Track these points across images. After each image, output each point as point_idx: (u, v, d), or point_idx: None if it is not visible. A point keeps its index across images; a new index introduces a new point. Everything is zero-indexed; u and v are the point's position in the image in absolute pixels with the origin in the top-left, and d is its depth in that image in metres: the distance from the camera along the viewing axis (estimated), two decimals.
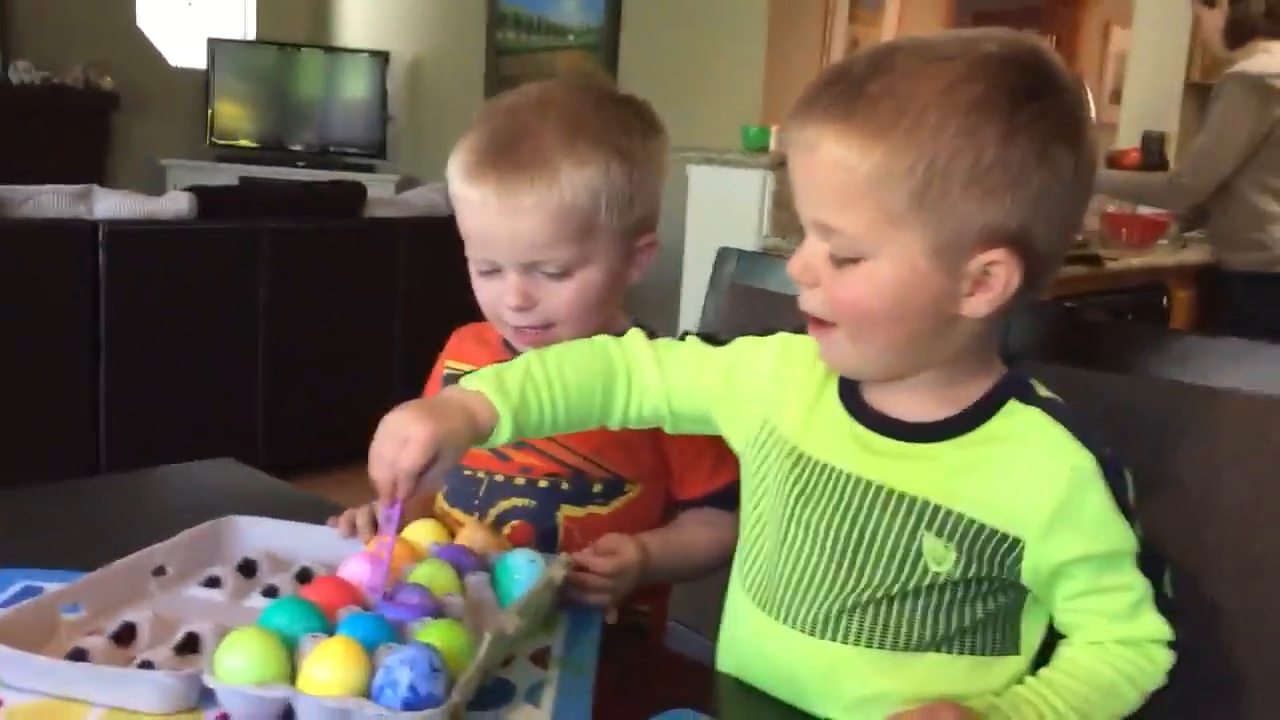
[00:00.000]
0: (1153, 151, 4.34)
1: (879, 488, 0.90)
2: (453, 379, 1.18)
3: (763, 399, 0.99)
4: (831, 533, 0.92)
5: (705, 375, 1.02)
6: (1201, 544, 1.02)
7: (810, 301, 0.89)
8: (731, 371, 1.01)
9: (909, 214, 0.82)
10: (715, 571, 1.10)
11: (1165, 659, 0.89)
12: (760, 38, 4.95)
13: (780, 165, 3.47)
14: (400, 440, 0.90)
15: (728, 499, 1.08)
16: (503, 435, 0.97)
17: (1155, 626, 0.88)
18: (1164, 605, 0.88)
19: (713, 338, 1.05)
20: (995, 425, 0.89)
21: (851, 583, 0.91)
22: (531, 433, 1.00)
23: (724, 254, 1.55)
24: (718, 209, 3.45)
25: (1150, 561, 0.88)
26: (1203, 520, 1.02)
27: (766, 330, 1.03)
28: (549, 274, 1.07)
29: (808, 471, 0.94)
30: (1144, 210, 3.85)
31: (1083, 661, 0.89)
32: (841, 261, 0.85)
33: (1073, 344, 1.12)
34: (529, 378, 0.98)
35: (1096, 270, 3.31)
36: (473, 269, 1.12)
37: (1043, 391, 0.91)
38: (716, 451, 1.08)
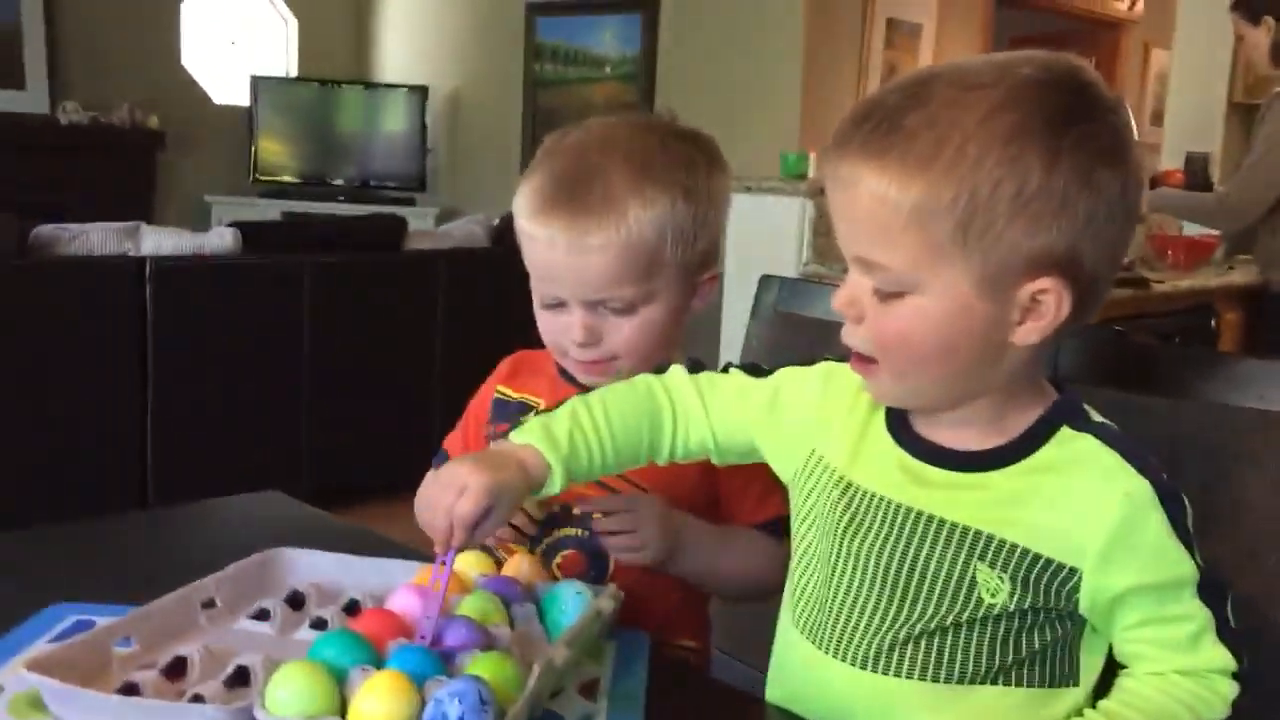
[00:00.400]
0: (1196, 172, 4.30)
1: (930, 518, 0.89)
2: (502, 405, 1.19)
3: (809, 429, 0.98)
4: (882, 564, 0.90)
5: (749, 408, 1.01)
6: (1260, 569, 1.00)
7: (854, 338, 0.88)
8: (775, 402, 1.01)
9: (953, 247, 0.80)
10: (761, 592, 1.10)
11: (1228, 690, 0.86)
12: (797, 65, 4.97)
13: (820, 193, 3.47)
14: (457, 489, 0.90)
15: (775, 529, 1.08)
16: (555, 485, 0.96)
17: (1218, 656, 0.86)
18: (1227, 635, 0.86)
19: (756, 368, 1.04)
20: (1047, 453, 0.87)
21: (904, 615, 0.89)
22: (583, 478, 0.99)
23: (766, 281, 1.55)
24: (757, 236, 3.44)
25: (1211, 590, 0.86)
26: (1261, 544, 1.00)
27: (810, 359, 1.03)
28: (614, 310, 1.09)
29: (856, 502, 0.92)
30: (1190, 231, 3.81)
31: (1143, 692, 0.87)
32: (886, 296, 0.84)
33: (1122, 368, 1.11)
34: (576, 425, 0.98)
35: (1143, 293, 3.28)
36: (536, 302, 1.13)
37: (1095, 417, 0.90)
38: (764, 482, 1.08)
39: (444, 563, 0.92)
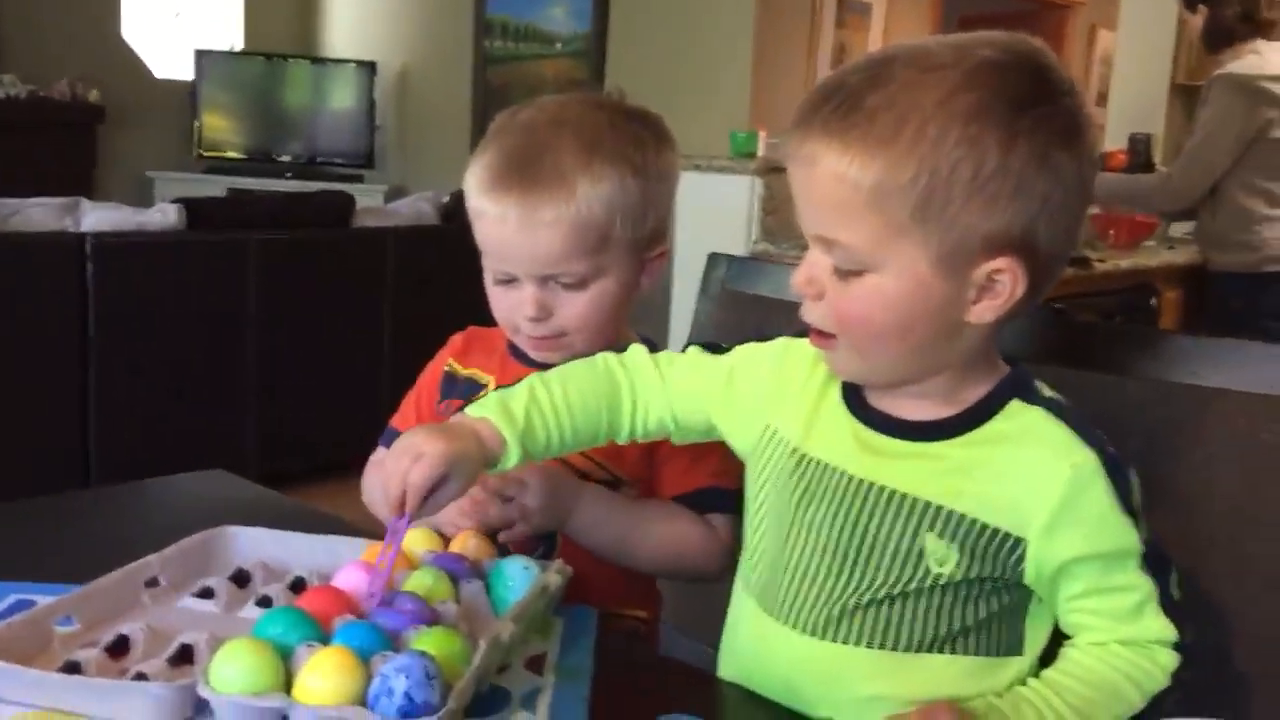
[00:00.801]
0: (1139, 153, 4.36)
1: (881, 488, 0.90)
2: (451, 380, 1.20)
3: (765, 402, 0.99)
4: (833, 533, 0.92)
5: (707, 382, 1.03)
6: (1194, 543, 1.02)
7: (813, 314, 0.89)
8: (732, 377, 1.02)
9: (912, 226, 0.82)
10: (687, 568, 1.11)
11: (1169, 661, 0.88)
12: (747, 44, 4.97)
13: (770, 171, 3.48)
14: (413, 455, 0.91)
15: (699, 502, 1.11)
16: (510, 460, 0.97)
17: (1159, 628, 0.88)
18: (1169, 607, 0.88)
19: (715, 347, 1.06)
20: (998, 425, 0.89)
21: (853, 584, 0.91)
22: (540, 455, 1.00)
23: (714, 259, 1.55)
24: (707, 215, 3.45)
25: (1156, 562, 0.88)
26: (1195, 519, 1.02)
27: (764, 336, 1.04)
28: (565, 285, 1.10)
29: (810, 472, 0.94)
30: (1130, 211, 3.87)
31: (1085, 662, 0.89)
32: (846, 274, 0.85)
33: (1063, 346, 1.12)
34: (534, 402, 0.99)
35: (1085, 272, 3.32)
36: (488, 279, 1.14)
37: (1046, 391, 0.91)
38: (692, 455, 1.11)
39: (395, 529, 0.92)
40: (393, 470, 0.92)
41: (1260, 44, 3.22)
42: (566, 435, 1.00)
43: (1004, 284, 0.84)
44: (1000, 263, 0.83)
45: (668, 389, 1.03)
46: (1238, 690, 1.00)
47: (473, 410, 0.98)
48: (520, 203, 1.07)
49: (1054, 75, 0.84)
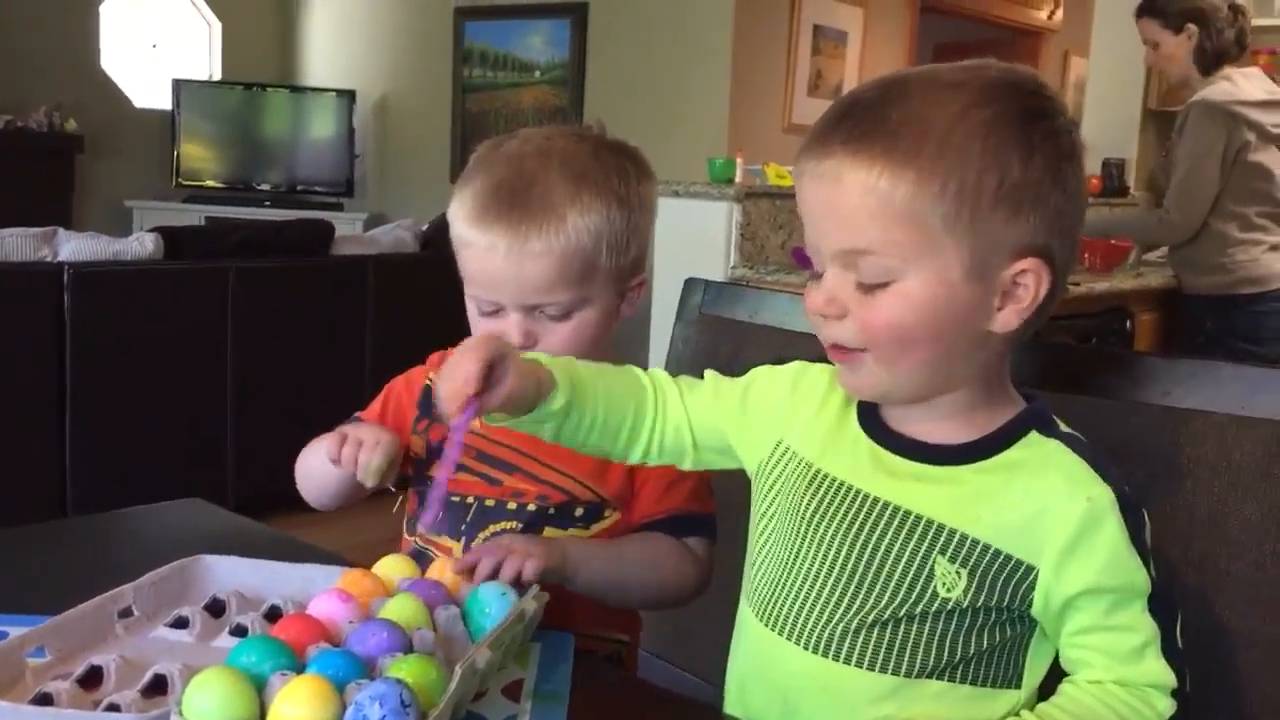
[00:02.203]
0: (1113, 177, 4.40)
1: (895, 509, 0.90)
2: (430, 393, 1.19)
3: (779, 420, 1.00)
4: (844, 551, 0.91)
5: (723, 400, 1.03)
6: (1165, 561, 1.02)
7: (841, 332, 0.88)
8: (746, 395, 1.02)
9: (943, 234, 0.83)
10: (673, 596, 1.11)
11: (1165, 707, 0.87)
12: (724, 70, 5.01)
13: (747, 197, 3.49)
14: (463, 353, 0.92)
15: (675, 527, 1.12)
16: (557, 400, 0.96)
17: (1159, 672, 0.87)
18: (1171, 652, 0.87)
19: (728, 372, 1.06)
20: (1015, 453, 0.89)
21: (859, 603, 0.90)
22: (575, 420, 0.98)
23: (690, 285, 1.56)
24: (685, 241, 3.46)
25: (1163, 606, 0.87)
26: (1167, 538, 1.03)
27: (780, 359, 1.04)
28: (550, 315, 1.11)
29: (824, 489, 0.94)
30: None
31: (1080, 699, 0.87)
32: (871, 287, 0.85)
33: (1038, 368, 1.13)
34: (576, 371, 0.99)
35: (1061, 295, 3.33)
36: (472, 308, 1.15)
37: (1063, 427, 0.92)
38: (668, 481, 1.12)
39: (456, 426, 0.92)
40: (447, 371, 0.91)
41: (1230, 71, 3.25)
42: (598, 419, 0.99)
43: (1028, 287, 0.85)
44: (1026, 263, 0.85)
45: (687, 404, 1.02)
46: (1209, 710, 1.00)
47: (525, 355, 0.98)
48: (510, 233, 1.08)
49: (1052, 94, 0.88)
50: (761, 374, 1.03)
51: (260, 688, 0.80)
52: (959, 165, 0.82)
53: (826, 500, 0.93)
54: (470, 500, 1.14)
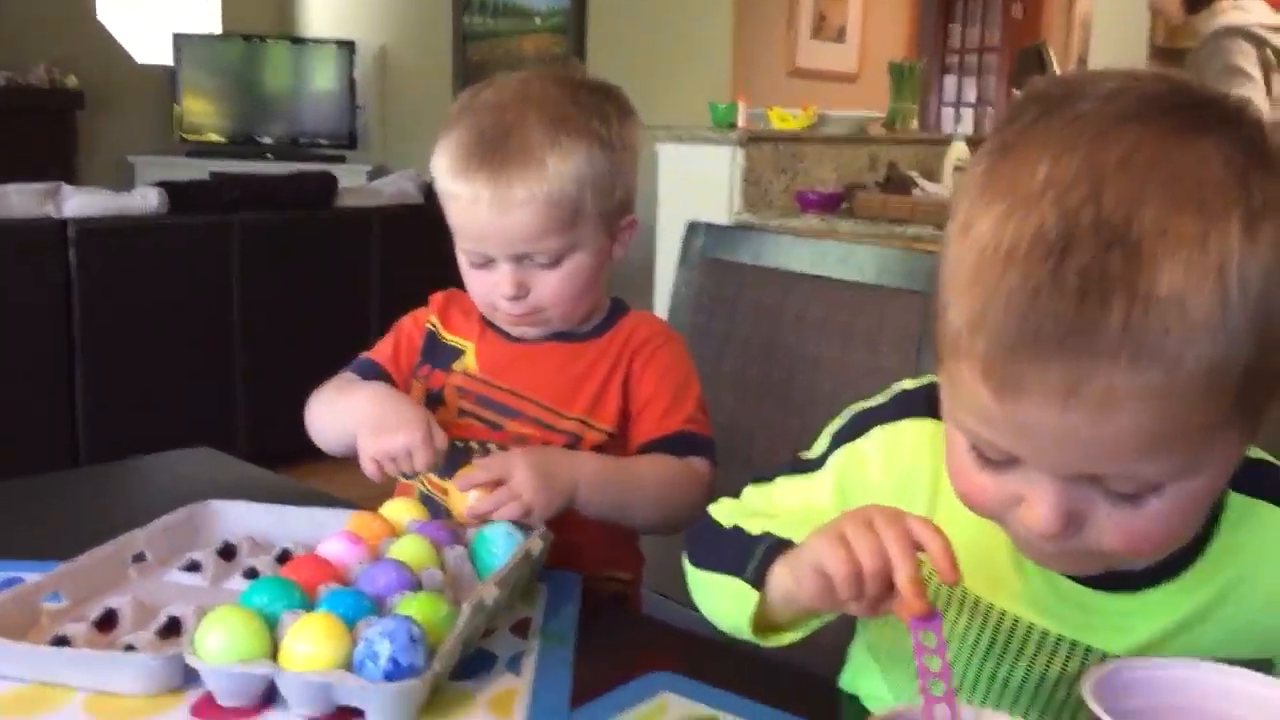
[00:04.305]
0: None
1: (1088, 650, 0.76)
2: (433, 341, 1.21)
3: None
4: (1037, 694, 0.79)
5: (816, 506, 0.85)
6: None
7: (1074, 551, 0.68)
8: (843, 489, 0.85)
9: (1233, 416, 0.63)
10: (677, 518, 1.10)
11: None
12: (726, 15, 4.96)
13: (750, 141, 3.48)
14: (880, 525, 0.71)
15: (676, 446, 1.12)
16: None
17: None
18: None
19: (798, 465, 0.89)
20: (1225, 540, 0.74)
21: None
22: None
23: (693, 229, 1.56)
24: (688, 186, 3.45)
25: None
26: None
27: (848, 431, 0.87)
28: (540, 263, 1.11)
29: (995, 627, 0.78)
30: None
31: None
32: (1134, 496, 0.65)
33: None
34: None
35: None
36: (463, 261, 1.15)
37: (1254, 453, 0.74)
38: (667, 403, 1.13)
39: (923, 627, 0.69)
40: (873, 546, 0.69)
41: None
42: None
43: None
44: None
45: (788, 529, 0.80)
46: None
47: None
48: (491, 184, 1.07)
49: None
50: (843, 459, 0.85)
51: (272, 627, 0.81)
52: (1248, 332, 0.60)
53: (1000, 641, 0.78)
54: (474, 445, 1.15)
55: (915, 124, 4.24)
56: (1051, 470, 0.64)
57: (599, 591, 1.08)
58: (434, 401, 1.17)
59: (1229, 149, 0.61)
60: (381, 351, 1.23)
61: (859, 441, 0.85)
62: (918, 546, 0.68)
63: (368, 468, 1.06)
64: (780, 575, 0.76)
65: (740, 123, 3.67)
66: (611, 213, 1.14)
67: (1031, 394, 0.61)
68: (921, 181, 3.65)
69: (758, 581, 0.78)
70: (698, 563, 0.87)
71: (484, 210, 1.08)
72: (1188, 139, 0.61)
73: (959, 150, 3.60)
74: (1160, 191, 0.59)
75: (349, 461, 1.09)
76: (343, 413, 1.12)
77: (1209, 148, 0.61)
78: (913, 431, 0.82)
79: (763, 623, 0.80)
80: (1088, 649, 0.75)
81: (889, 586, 0.68)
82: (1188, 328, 0.58)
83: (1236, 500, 0.74)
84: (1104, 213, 0.58)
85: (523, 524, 1.01)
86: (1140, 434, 0.60)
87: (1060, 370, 0.59)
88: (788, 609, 0.77)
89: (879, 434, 0.84)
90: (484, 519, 1.01)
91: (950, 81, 7.30)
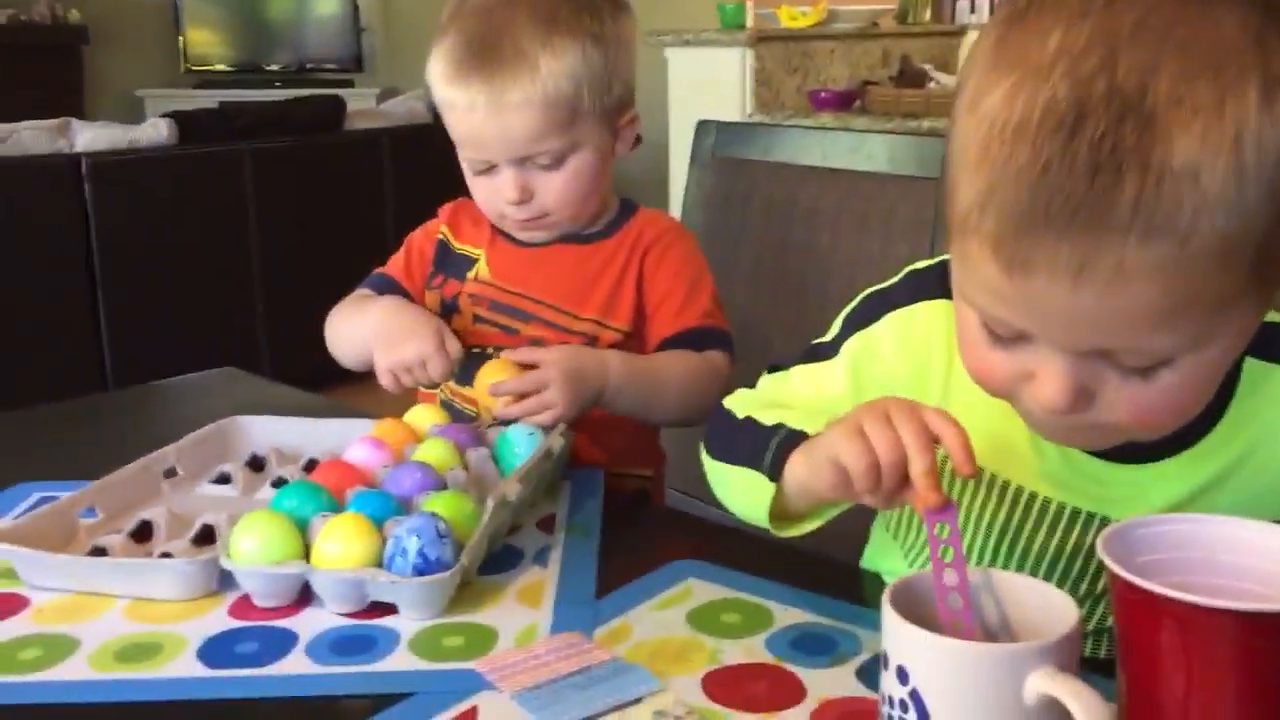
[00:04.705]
0: None
1: (1104, 520, 0.76)
2: (445, 250, 1.22)
3: (924, 395, 0.78)
4: (1056, 564, 0.79)
5: (833, 394, 0.85)
6: None
7: (1086, 424, 0.67)
8: (857, 373, 0.85)
9: (1248, 287, 0.62)
10: (696, 411, 1.10)
11: None
12: None
13: (760, 41, 3.43)
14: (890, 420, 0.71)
15: (693, 340, 1.13)
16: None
17: None
18: None
19: (812, 352, 0.89)
20: (1241, 406, 0.73)
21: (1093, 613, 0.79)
22: None
23: (703, 127, 1.55)
24: (699, 90, 3.41)
25: None
26: None
27: (861, 314, 0.86)
28: (543, 165, 1.11)
29: (1011, 502, 0.79)
30: None
31: None
32: (1146, 370, 0.64)
33: None
34: None
35: None
36: (467, 169, 1.15)
37: (1271, 316, 0.72)
38: (680, 300, 1.14)
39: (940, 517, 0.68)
40: (889, 440, 0.69)
41: None
42: None
43: None
44: None
45: (802, 420, 0.80)
46: None
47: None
48: (486, 88, 1.07)
49: None
50: (857, 346, 0.85)
51: (303, 530, 0.83)
52: (1264, 202, 0.59)
53: (1017, 514, 0.79)
54: (490, 351, 1.16)
55: (928, 15, 4.16)
56: (1062, 346, 0.64)
57: (621, 488, 1.09)
58: (449, 310, 1.18)
59: (1245, 11, 0.59)
60: (394, 265, 1.24)
61: (872, 328, 0.85)
62: (935, 439, 0.68)
63: (384, 380, 1.08)
64: (796, 466, 0.77)
65: (749, 23, 3.62)
66: (611, 109, 1.13)
67: (1041, 271, 0.60)
68: (936, 74, 3.60)
69: (774, 473, 0.78)
70: (714, 455, 0.88)
71: (481, 116, 1.08)
72: (1203, 2, 0.59)
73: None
74: (1175, 58, 0.57)
75: (370, 382, 1.10)
76: (358, 328, 1.14)
77: (1224, 10, 0.59)
78: (926, 314, 0.81)
79: (779, 513, 0.80)
80: (1103, 519, 0.76)
81: (905, 479, 0.68)
82: (1201, 200, 0.56)
83: (1252, 365, 0.73)
84: (1117, 81, 0.57)
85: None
86: (1152, 308, 0.60)
87: (1071, 247, 0.58)
88: (804, 499, 0.78)
89: (892, 319, 0.84)
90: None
91: None
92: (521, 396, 1.02)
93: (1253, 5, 0.60)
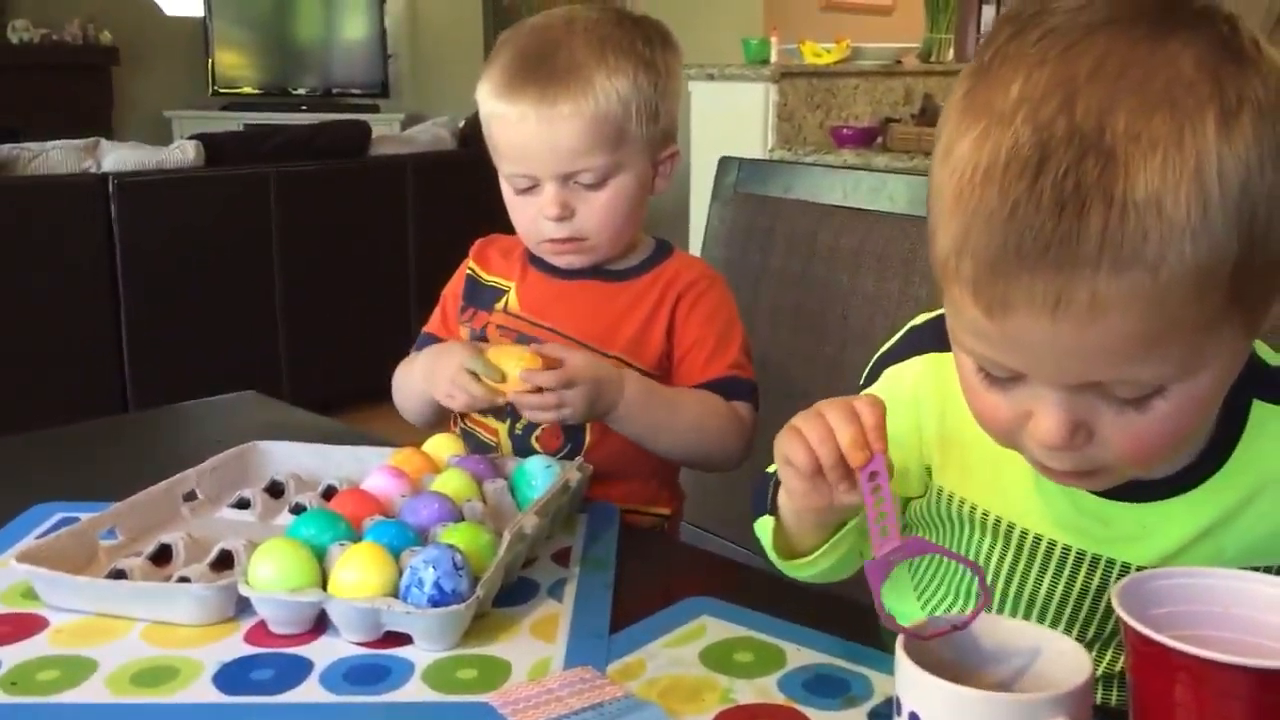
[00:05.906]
0: None
1: (1109, 562, 0.77)
2: (474, 284, 1.23)
3: (926, 443, 0.82)
4: (1061, 608, 0.80)
5: None
6: None
7: (1083, 459, 0.68)
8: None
9: (1229, 312, 0.62)
10: (715, 457, 1.12)
11: None
12: None
13: (783, 77, 3.45)
14: (841, 408, 0.74)
15: (724, 389, 1.13)
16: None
17: None
18: None
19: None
20: (1248, 448, 0.73)
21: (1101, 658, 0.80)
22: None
23: (725, 163, 1.56)
24: (722, 124, 3.43)
25: None
26: None
27: (869, 377, 0.87)
28: (585, 184, 1.11)
29: (1018, 545, 0.80)
30: None
31: None
32: (1140, 400, 0.65)
33: None
34: None
35: None
36: (507, 188, 1.15)
37: (1276, 359, 0.75)
38: (711, 349, 1.14)
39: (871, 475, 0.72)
40: (821, 429, 0.72)
41: None
42: None
43: None
44: None
45: None
46: None
47: None
48: (538, 99, 1.08)
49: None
50: (886, 380, 0.86)
51: (320, 557, 0.84)
52: (1242, 217, 0.60)
53: (1024, 557, 0.79)
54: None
55: (951, 54, 4.19)
56: (1052, 381, 0.65)
57: (638, 524, 1.09)
58: (477, 340, 1.18)
59: (1200, 47, 0.60)
60: (432, 323, 1.26)
61: (872, 388, 0.87)
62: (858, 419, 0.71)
63: (451, 400, 1.10)
64: (780, 495, 0.80)
65: (773, 58, 3.64)
66: (655, 139, 1.14)
67: (1020, 309, 0.61)
68: None
69: (772, 507, 0.82)
70: (753, 513, 0.90)
71: (531, 127, 1.09)
72: (1158, 41, 0.60)
73: None
74: (1131, 96, 0.59)
75: (385, 405, 1.11)
76: (413, 383, 1.17)
77: (1179, 48, 0.60)
78: (916, 368, 0.83)
79: (790, 551, 0.82)
80: (1110, 561, 0.76)
81: (844, 461, 0.71)
82: (1168, 229, 0.58)
83: (1260, 408, 0.74)
84: (1076, 121, 0.59)
85: (563, 458, 1.03)
86: (1133, 338, 0.61)
87: (1045, 283, 0.60)
88: (796, 526, 0.80)
89: (888, 375, 0.86)
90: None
91: (989, 11, 7.17)
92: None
93: (1209, 42, 0.61)
